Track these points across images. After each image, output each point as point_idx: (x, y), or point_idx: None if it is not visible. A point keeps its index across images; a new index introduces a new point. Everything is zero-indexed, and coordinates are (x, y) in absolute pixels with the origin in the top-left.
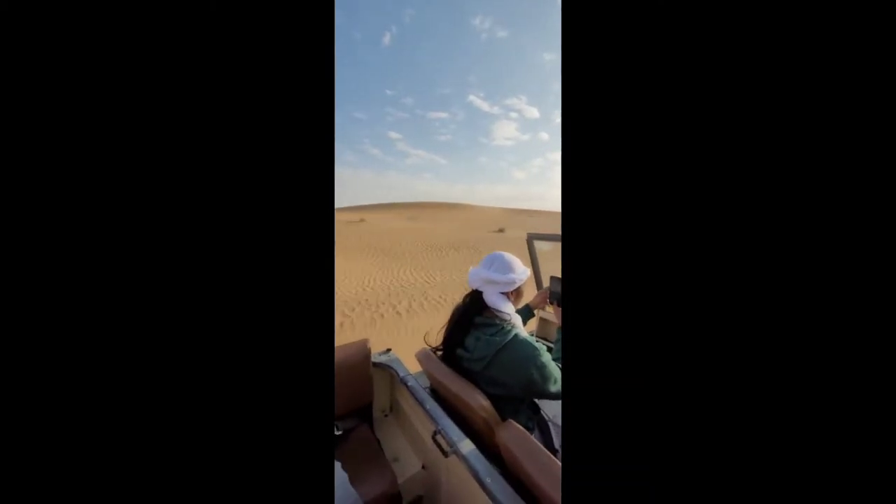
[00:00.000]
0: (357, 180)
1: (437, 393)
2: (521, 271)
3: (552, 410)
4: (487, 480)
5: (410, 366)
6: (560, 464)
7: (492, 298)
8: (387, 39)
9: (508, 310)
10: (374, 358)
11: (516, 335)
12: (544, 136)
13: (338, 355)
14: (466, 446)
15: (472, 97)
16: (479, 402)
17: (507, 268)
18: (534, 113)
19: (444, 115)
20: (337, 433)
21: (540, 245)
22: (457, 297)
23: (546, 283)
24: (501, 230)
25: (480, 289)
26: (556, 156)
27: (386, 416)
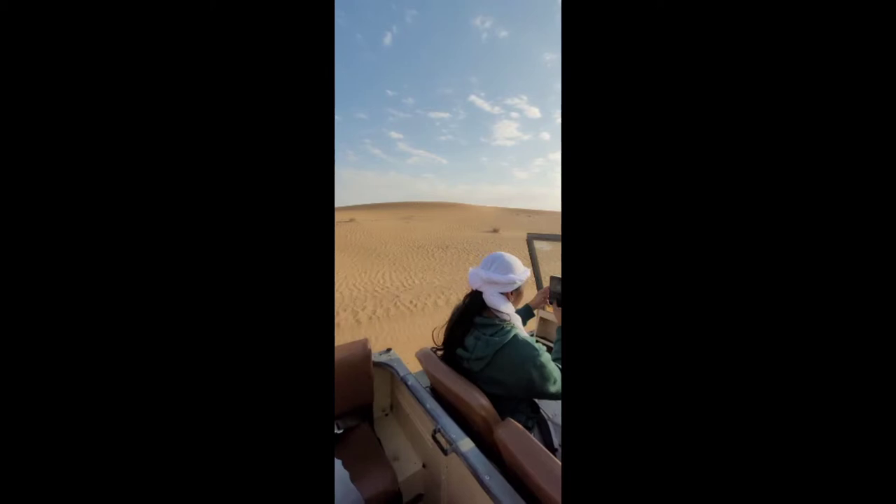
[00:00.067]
0: (358, 180)
1: (436, 392)
2: (522, 272)
3: (551, 409)
4: (486, 478)
5: (410, 365)
6: (559, 462)
7: (492, 298)
8: (388, 40)
9: (508, 310)
10: (375, 357)
11: (516, 335)
12: (545, 135)
13: (338, 354)
14: (466, 445)
15: (473, 97)
16: (478, 401)
17: (508, 268)
18: (535, 113)
19: (445, 115)
20: (338, 432)
21: (540, 245)
22: (429, 302)
23: (546, 283)
24: (495, 230)
25: (480, 289)
26: (558, 156)
27: (386, 415)
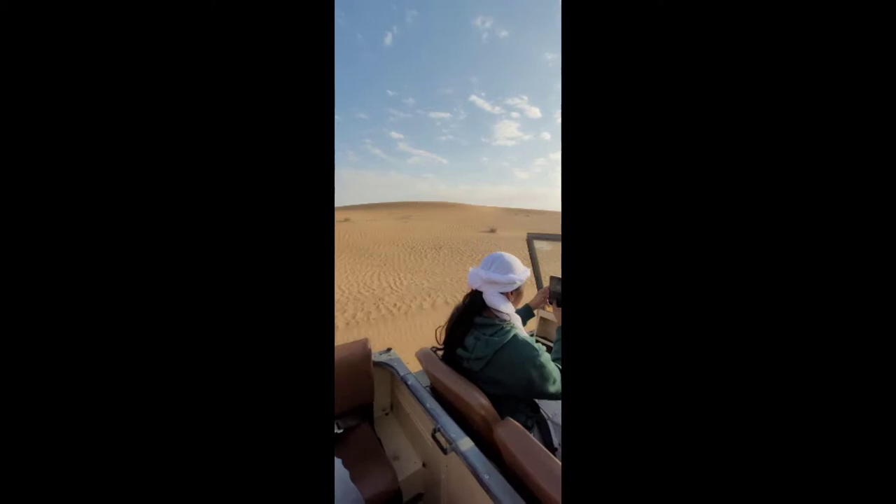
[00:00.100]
0: (359, 180)
1: (436, 391)
2: (522, 271)
3: (551, 409)
4: (486, 477)
5: (410, 365)
6: (558, 461)
7: (492, 298)
8: (388, 40)
9: (508, 310)
10: (375, 357)
11: (516, 335)
12: (546, 135)
13: (339, 354)
14: (465, 444)
15: (473, 97)
16: (478, 401)
17: (508, 268)
18: (535, 112)
19: (445, 115)
20: (338, 431)
21: (540, 245)
22: (414, 305)
23: (546, 283)
24: (492, 230)
25: (480, 289)
26: (559, 155)
27: (386, 414)
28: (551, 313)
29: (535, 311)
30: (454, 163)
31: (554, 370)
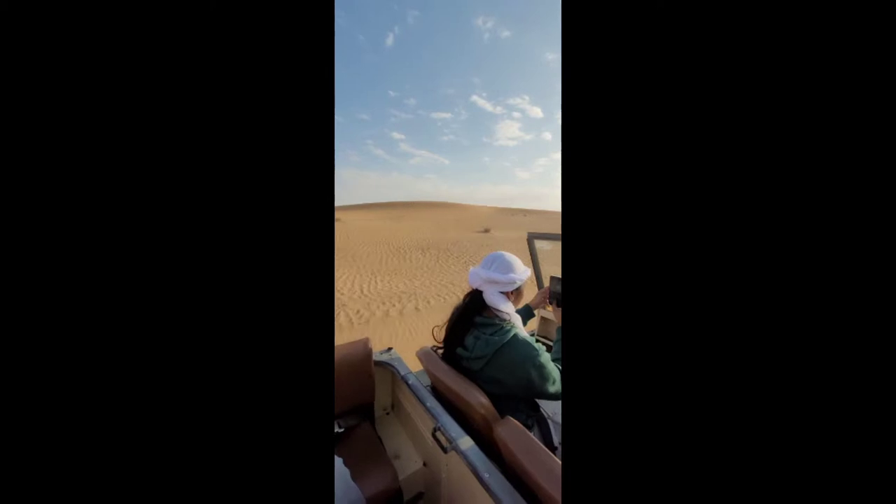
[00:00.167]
0: (361, 181)
1: (437, 391)
2: (522, 271)
3: (551, 408)
4: (486, 476)
5: (411, 364)
6: (558, 460)
7: (492, 298)
8: (390, 41)
9: (508, 309)
10: (376, 357)
11: (516, 335)
12: (548, 135)
13: (339, 354)
14: (466, 443)
15: (475, 97)
16: (478, 400)
17: (508, 267)
18: (537, 112)
19: (447, 115)
20: (339, 430)
21: (540, 245)
22: (379, 312)
23: (546, 283)
24: (486, 230)
25: (480, 288)
26: (560, 155)
27: (387, 413)
28: (551, 313)
29: (536, 311)
30: (456, 163)
31: (554, 370)
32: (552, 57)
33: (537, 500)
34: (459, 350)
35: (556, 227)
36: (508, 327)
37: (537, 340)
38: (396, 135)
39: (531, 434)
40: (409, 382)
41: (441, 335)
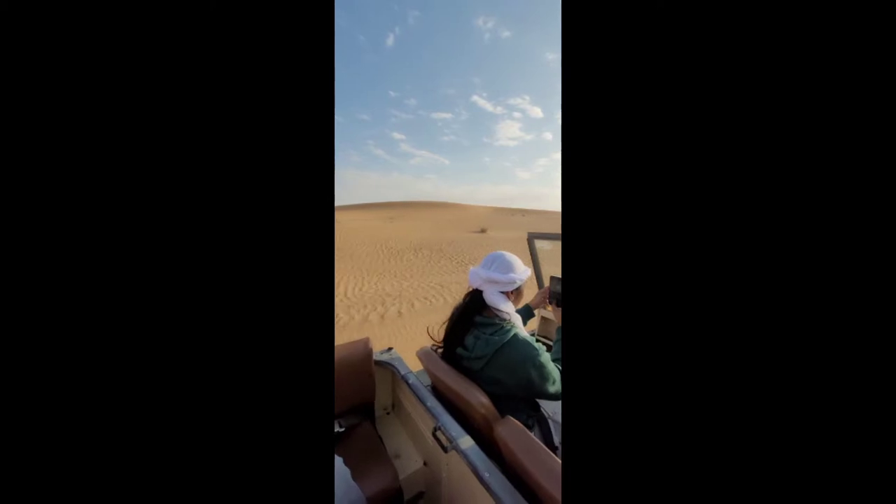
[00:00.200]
0: (361, 181)
1: (437, 390)
2: (522, 271)
3: (552, 407)
4: (486, 475)
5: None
6: (558, 460)
7: (492, 298)
8: (390, 41)
9: (508, 309)
10: (376, 356)
11: (516, 335)
12: (548, 135)
13: (340, 353)
14: (466, 442)
15: (475, 97)
16: (478, 400)
17: (508, 267)
18: (537, 112)
19: (447, 115)
20: (340, 430)
21: (541, 244)
22: (358, 317)
23: (546, 283)
24: (483, 230)
25: (481, 288)
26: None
27: (388, 413)
28: (551, 313)
29: (536, 311)
30: (456, 163)
31: (554, 370)
32: (553, 57)
33: (538, 499)
34: (459, 350)
35: (555, 227)
36: (508, 327)
37: (538, 340)
38: (397, 135)
39: (531, 434)
40: (410, 382)
41: (438, 334)
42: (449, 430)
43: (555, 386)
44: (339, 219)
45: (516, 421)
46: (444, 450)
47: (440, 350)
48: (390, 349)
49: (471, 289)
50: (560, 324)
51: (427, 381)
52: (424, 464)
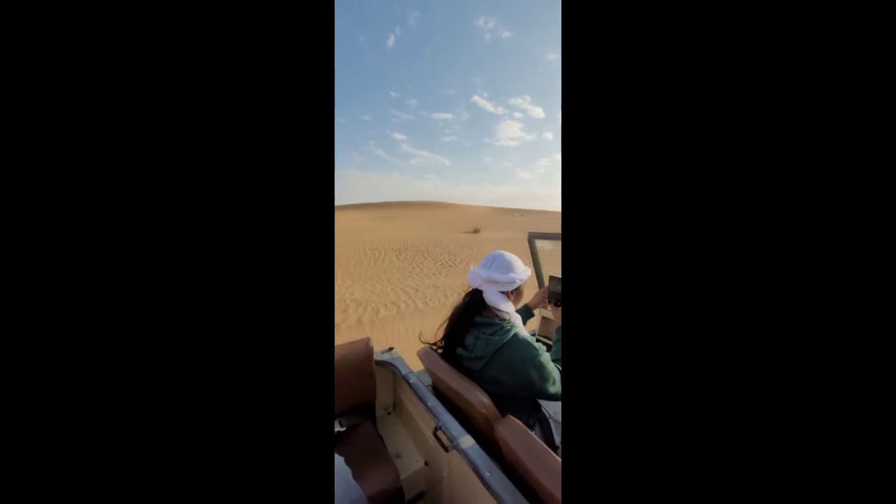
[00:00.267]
0: (362, 181)
1: (438, 390)
2: (522, 271)
3: (552, 407)
4: (487, 475)
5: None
6: (559, 459)
7: (492, 297)
8: (391, 42)
9: (508, 309)
10: (377, 356)
11: (516, 335)
12: (549, 136)
13: (341, 353)
14: (467, 442)
15: (476, 98)
16: (479, 399)
17: (508, 267)
18: (538, 113)
19: (448, 116)
20: (341, 430)
21: (541, 244)
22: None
23: (547, 283)
24: (476, 230)
25: (480, 288)
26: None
27: (389, 413)
28: (550, 313)
29: (536, 311)
30: (456, 163)
31: (554, 371)
32: (553, 57)
33: (538, 499)
34: (460, 350)
35: (553, 227)
36: (508, 327)
37: (538, 340)
38: (398, 135)
39: (532, 433)
40: (411, 382)
41: (433, 336)
42: (450, 430)
43: (555, 386)
44: (336, 219)
45: (517, 420)
46: (445, 449)
47: (440, 350)
48: (391, 349)
49: (470, 288)
50: (560, 324)
51: (428, 380)
52: (425, 463)
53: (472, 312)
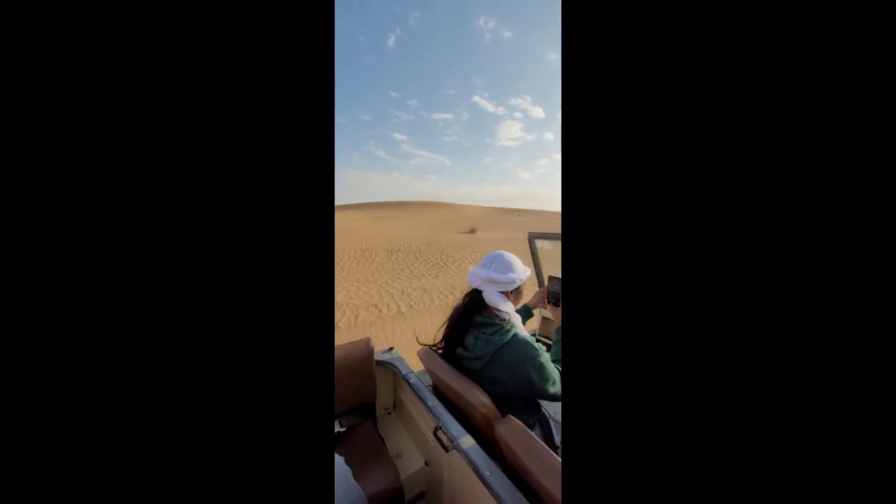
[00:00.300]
0: (362, 181)
1: (438, 390)
2: (522, 271)
3: (552, 407)
4: (487, 475)
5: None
6: (559, 458)
7: (491, 297)
8: (391, 42)
9: (508, 309)
10: (377, 356)
11: (515, 335)
12: (549, 136)
13: (341, 353)
14: (467, 441)
15: (476, 98)
16: (479, 399)
17: (507, 267)
18: (539, 113)
19: (448, 116)
20: (341, 430)
21: (542, 244)
22: None
23: (547, 283)
24: (472, 231)
25: (480, 288)
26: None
27: (389, 413)
28: (549, 313)
29: (535, 311)
30: (457, 163)
31: (554, 371)
32: (554, 57)
33: (538, 498)
34: (460, 350)
35: (552, 227)
36: (508, 327)
37: (538, 340)
38: (398, 135)
39: (532, 433)
40: (411, 382)
41: (432, 338)
42: (450, 430)
43: (555, 387)
44: (336, 219)
45: (517, 420)
46: (446, 449)
47: (440, 350)
48: (391, 349)
49: (470, 288)
50: (560, 324)
51: (428, 380)
52: (426, 463)
53: (472, 312)
